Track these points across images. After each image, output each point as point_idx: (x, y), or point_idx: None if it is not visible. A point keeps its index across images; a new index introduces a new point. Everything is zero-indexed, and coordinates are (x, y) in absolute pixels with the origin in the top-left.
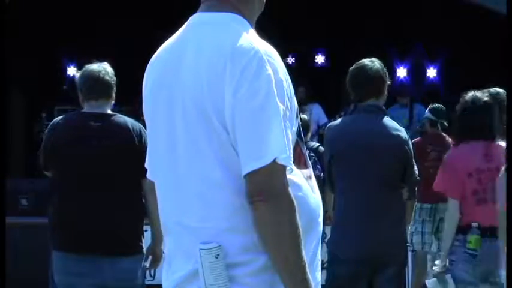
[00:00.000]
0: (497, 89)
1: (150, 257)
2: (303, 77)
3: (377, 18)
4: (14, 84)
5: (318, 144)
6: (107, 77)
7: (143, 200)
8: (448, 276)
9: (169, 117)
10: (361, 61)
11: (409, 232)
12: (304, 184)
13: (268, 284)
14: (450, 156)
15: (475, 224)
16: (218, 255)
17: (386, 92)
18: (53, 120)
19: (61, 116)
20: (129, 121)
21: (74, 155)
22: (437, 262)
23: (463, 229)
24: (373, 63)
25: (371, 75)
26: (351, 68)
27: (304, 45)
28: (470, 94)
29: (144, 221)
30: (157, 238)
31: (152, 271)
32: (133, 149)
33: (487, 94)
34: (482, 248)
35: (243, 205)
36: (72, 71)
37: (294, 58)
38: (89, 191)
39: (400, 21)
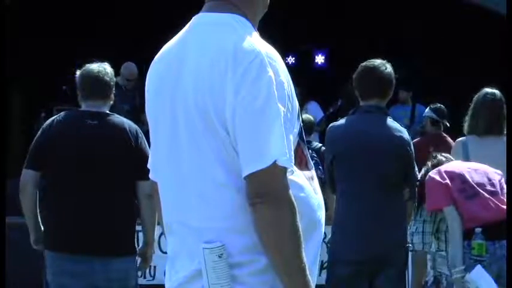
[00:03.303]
0: (487, 90)
1: (139, 258)
2: (301, 77)
3: (377, 18)
4: (14, 84)
5: (321, 144)
6: (106, 78)
7: (136, 202)
8: (468, 277)
9: (171, 118)
10: (372, 61)
11: (409, 232)
12: (307, 185)
13: (270, 284)
14: (431, 173)
15: (478, 229)
16: (221, 254)
17: (390, 96)
18: (50, 119)
19: (57, 115)
20: (126, 122)
21: (69, 154)
22: (455, 270)
23: (466, 234)
24: (384, 65)
25: (384, 77)
26: (361, 65)
27: (304, 45)
28: None
29: (137, 222)
30: (149, 240)
31: (152, 271)
32: (129, 149)
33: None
34: (489, 251)
35: (245, 205)
36: (71, 71)
37: (293, 58)
38: (83, 191)
39: (400, 21)
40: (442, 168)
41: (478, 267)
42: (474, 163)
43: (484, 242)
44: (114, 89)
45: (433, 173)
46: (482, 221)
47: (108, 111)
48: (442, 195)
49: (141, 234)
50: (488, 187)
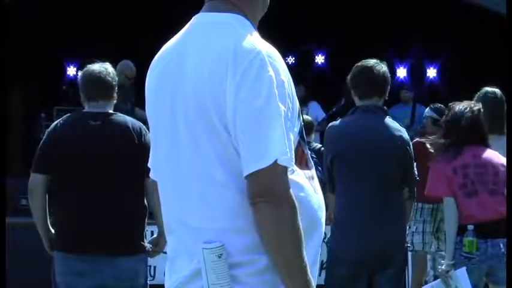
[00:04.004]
0: (487, 89)
1: (150, 246)
2: (301, 77)
3: (377, 18)
4: (14, 84)
5: (320, 145)
6: (108, 78)
7: (145, 200)
8: (452, 273)
9: (171, 117)
10: (367, 61)
11: (408, 232)
12: (307, 185)
13: (270, 284)
14: (435, 160)
15: (470, 227)
16: (221, 254)
17: (387, 94)
18: (54, 122)
19: (61, 118)
20: (129, 120)
21: (74, 154)
22: (443, 261)
23: (459, 230)
24: (380, 64)
25: (382, 76)
26: (357, 66)
27: (304, 45)
28: (456, 108)
29: (147, 221)
30: (162, 233)
31: (152, 271)
32: (133, 148)
33: (470, 107)
34: (480, 250)
35: (246, 205)
36: (72, 71)
37: (294, 58)
38: (89, 191)
39: (400, 21)
40: (446, 153)
41: (463, 269)
42: (480, 150)
43: (475, 240)
44: (116, 89)
45: (437, 159)
46: (477, 220)
47: (111, 111)
48: (444, 185)
49: (148, 234)
50: (490, 185)
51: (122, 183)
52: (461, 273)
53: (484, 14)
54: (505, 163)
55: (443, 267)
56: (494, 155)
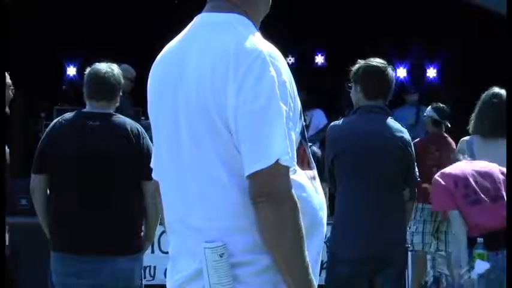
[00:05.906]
0: (495, 90)
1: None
2: (301, 78)
3: (377, 18)
4: (13, 84)
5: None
6: (112, 79)
7: (143, 201)
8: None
9: (173, 118)
10: (377, 61)
11: (409, 232)
12: (308, 185)
13: (271, 284)
14: (436, 175)
15: (480, 240)
16: (223, 254)
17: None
18: (53, 122)
19: (60, 117)
20: (128, 121)
21: (72, 154)
22: (462, 272)
23: (469, 243)
24: (389, 66)
25: (390, 79)
26: (369, 65)
27: (304, 45)
28: None
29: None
30: (149, 235)
31: (152, 271)
32: (131, 149)
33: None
34: (491, 262)
35: (247, 205)
36: (72, 71)
37: (294, 58)
38: (86, 191)
39: (400, 21)
40: (447, 170)
41: (478, 261)
42: (480, 163)
43: (486, 252)
44: (120, 91)
45: (438, 176)
46: (483, 229)
47: (111, 112)
48: (447, 199)
49: (158, 234)
50: (492, 192)
51: (119, 184)
52: (479, 265)
53: (484, 14)
54: (504, 170)
55: (464, 277)
56: (492, 165)
